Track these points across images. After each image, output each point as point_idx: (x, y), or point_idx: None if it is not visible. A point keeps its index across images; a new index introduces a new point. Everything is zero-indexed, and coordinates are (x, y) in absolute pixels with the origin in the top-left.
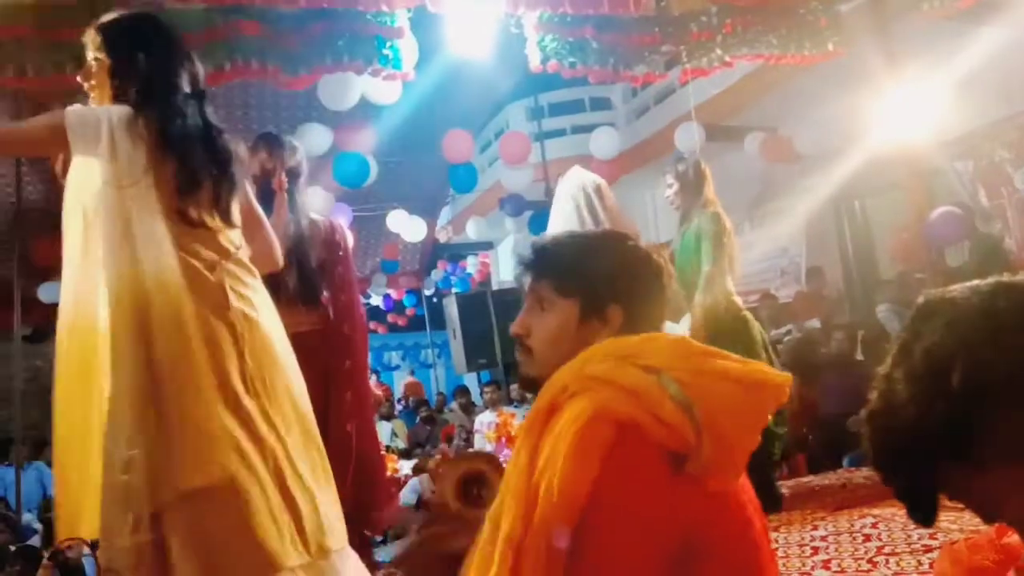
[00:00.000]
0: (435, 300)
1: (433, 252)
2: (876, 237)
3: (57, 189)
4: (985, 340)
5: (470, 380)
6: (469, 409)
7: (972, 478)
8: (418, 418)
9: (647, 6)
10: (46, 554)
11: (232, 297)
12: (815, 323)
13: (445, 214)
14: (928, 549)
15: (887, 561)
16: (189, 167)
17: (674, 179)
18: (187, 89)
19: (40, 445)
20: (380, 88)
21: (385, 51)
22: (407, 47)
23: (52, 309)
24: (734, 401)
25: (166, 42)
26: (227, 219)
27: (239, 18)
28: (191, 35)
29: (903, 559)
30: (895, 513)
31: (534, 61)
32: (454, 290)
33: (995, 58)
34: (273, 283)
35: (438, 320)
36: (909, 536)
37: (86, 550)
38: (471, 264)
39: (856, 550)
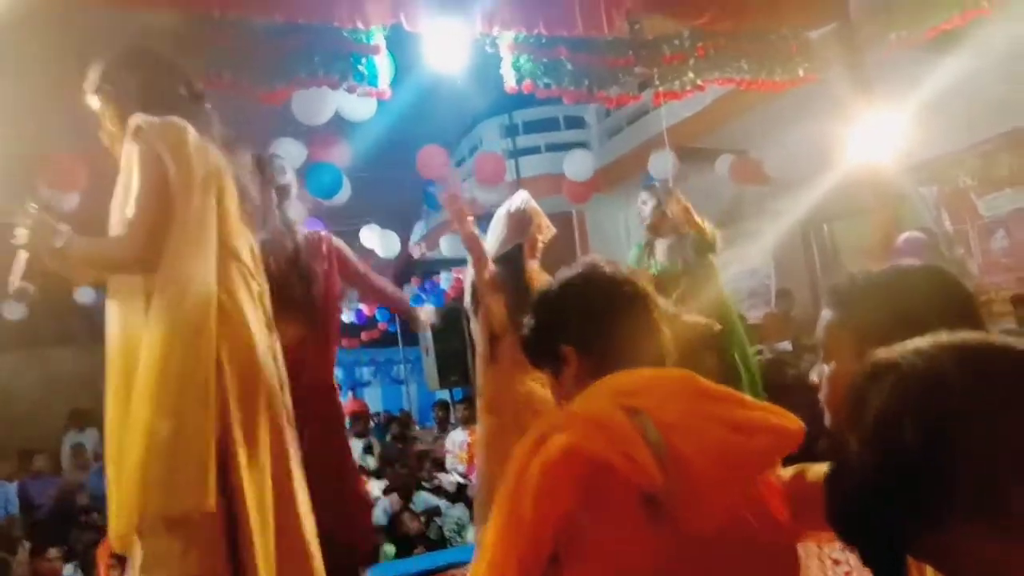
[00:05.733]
0: None
1: (406, 267)
2: (844, 260)
3: None
4: (932, 403)
5: (443, 397)
6: (445, 426)
7: (932, 537)
8: (388, 436)
9: (621, 29)
10: None
11: None
12: (787, 345)
13: (418, 229)
14: None
15: None
16: None
17: (651, 196)
18: None
19: (6, 460)
20: (354, 105)
21: (360, 68)
22: (383, 64)
23: (16, 324)
24: (719, 446)
25: None
26: None
27: (213, 31)
28: (164, 47)
29: None
30: None
31: (509, 81)
32: (427, 306)
33: (959, 87)
34: (282, 297)
35: (411, 336)
36: None
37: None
38: (444, 280)
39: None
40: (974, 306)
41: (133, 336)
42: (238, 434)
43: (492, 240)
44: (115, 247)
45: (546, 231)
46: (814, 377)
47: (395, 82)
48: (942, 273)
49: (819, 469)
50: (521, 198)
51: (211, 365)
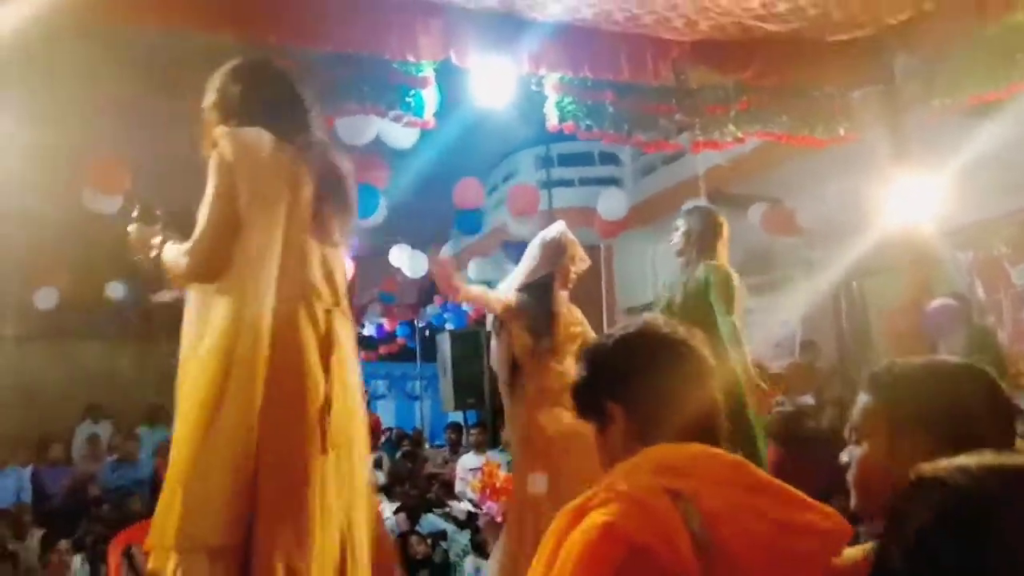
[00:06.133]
0: (427, 333)
1: (430, 287)
2: (872, 316)
3: None
4: (975, 525)
5: (456, 419)
6: (457, 448)
7: None
8: (399, 453)
9: (666, 77)
10: None
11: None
12: (808, 399)
13: (446, 251)
14: None
15: None
16: None
17: (684, 221)
18: None
19: (25, 447)
20: (397, 133)
21: (408, 99)
22: (429, 96)
23: (45, 314)
24: (765, 545)
25: None
26: None
27: (270, 56)
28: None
29: None
30: None
31: (552, 120)
32: (448, 326)
33: (997, 154)
34: None
35: (429, 353)
36: None
37: None
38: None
39: None
40: (1010, 410)
41: (197, 341)
42: (268, 467)
43: (524, 267)
44: (181, 258)
45: (579, 263)
46: (844, 457)
47: (438, 113)
48: (983, 375)
49: (850, 553)
50: (557, 228)
51: (257, 400)
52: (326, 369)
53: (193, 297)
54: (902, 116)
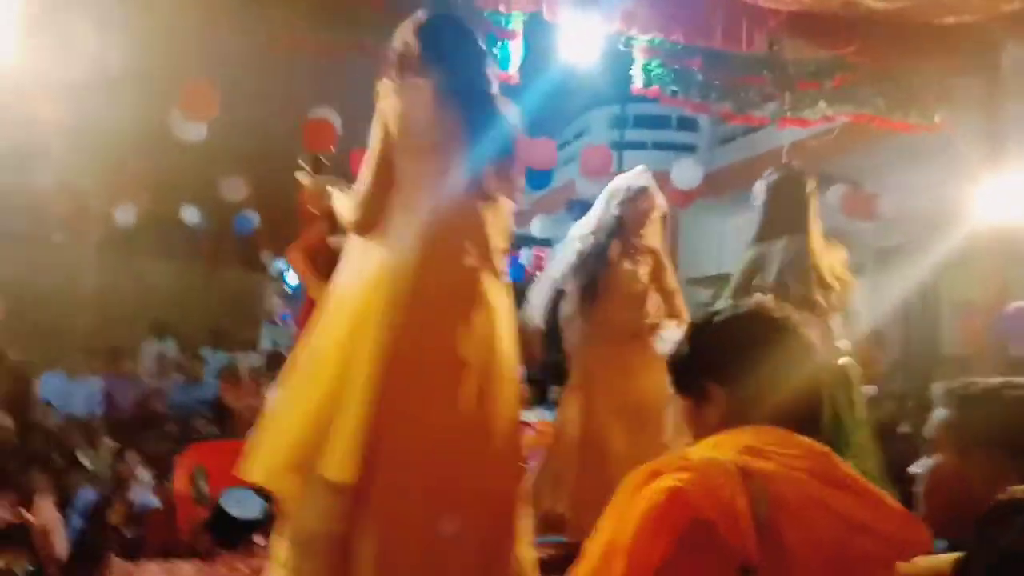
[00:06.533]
0: None
1: None
2: (943, 311)
3: None
4: None
5: None
6: None
7: None
8: None
9: (759, 47)
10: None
11: None
12: (871, 389)
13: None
14: None
15: None
16: None
17: (762, 185)
18: None
19: (96, 357)
20: None
21: (494, 50)
22: (516, 49)
23: (122, 230)
24: (825, 539)
25: None
26: None
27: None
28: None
29: None
30: None
31: (637, 83)
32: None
33: None
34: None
35: None
36: None
37: None
38: (524, 255)
39: None
40: None
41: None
42: (395, 417)
43: (592, 214)
44: (349, 212)
45: (654, 209)
46: (916, 468)
47: (521, 66)
48: None
49: (922, 564)
50: (626, 177)
51: (386, 350)
52: (464, 326)
53: (355, 239)
54: (1002, 109)
